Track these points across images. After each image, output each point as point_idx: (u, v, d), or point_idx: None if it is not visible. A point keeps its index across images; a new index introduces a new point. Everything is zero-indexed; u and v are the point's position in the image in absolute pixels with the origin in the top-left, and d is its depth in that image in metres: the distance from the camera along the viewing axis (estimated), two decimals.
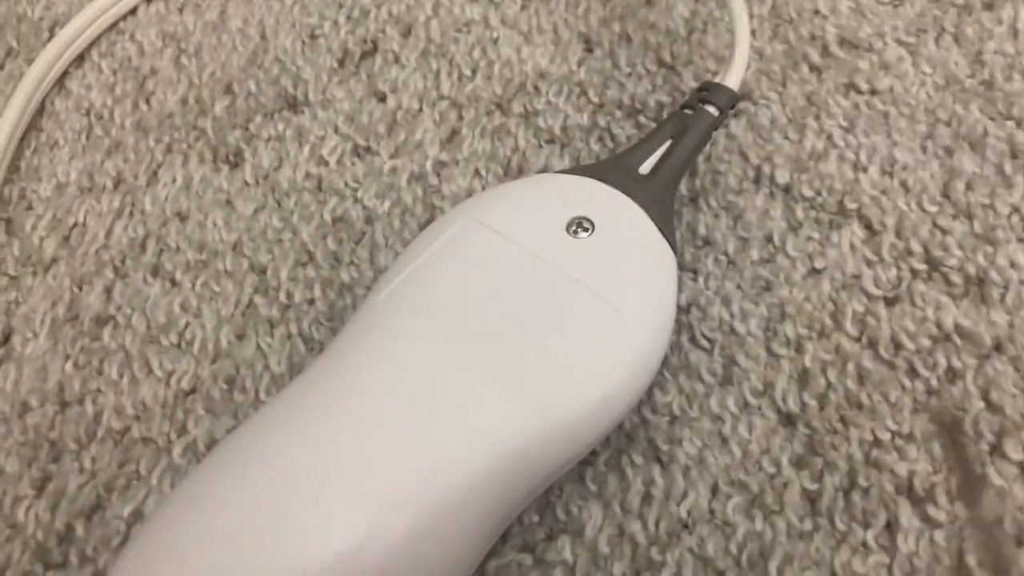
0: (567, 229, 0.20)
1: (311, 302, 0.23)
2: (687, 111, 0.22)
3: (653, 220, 0.20)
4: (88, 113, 0.27)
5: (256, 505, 0.16)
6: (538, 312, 0.19)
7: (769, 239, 0.23)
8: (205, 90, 0.26)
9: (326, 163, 0.25)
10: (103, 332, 0.23)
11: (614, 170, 0.21)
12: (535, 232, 0.20)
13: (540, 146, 0.25)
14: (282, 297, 0.23)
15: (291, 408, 0.18)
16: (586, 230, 0.20)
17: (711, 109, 0.22)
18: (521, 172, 0.24)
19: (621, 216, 0.20)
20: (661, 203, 0.21)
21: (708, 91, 0.22)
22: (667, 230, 0.20)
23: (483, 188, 0.24)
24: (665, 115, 0.24)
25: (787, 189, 0.23)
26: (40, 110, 0.27)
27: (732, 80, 0.23)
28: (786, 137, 0.24)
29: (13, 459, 0.21)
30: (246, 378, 0.22)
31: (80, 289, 0.23)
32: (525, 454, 0.17)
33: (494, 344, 0.18)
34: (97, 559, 0.20)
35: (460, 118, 0.25)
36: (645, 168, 0.21)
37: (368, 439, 0.17)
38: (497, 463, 0.17)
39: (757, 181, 0.23)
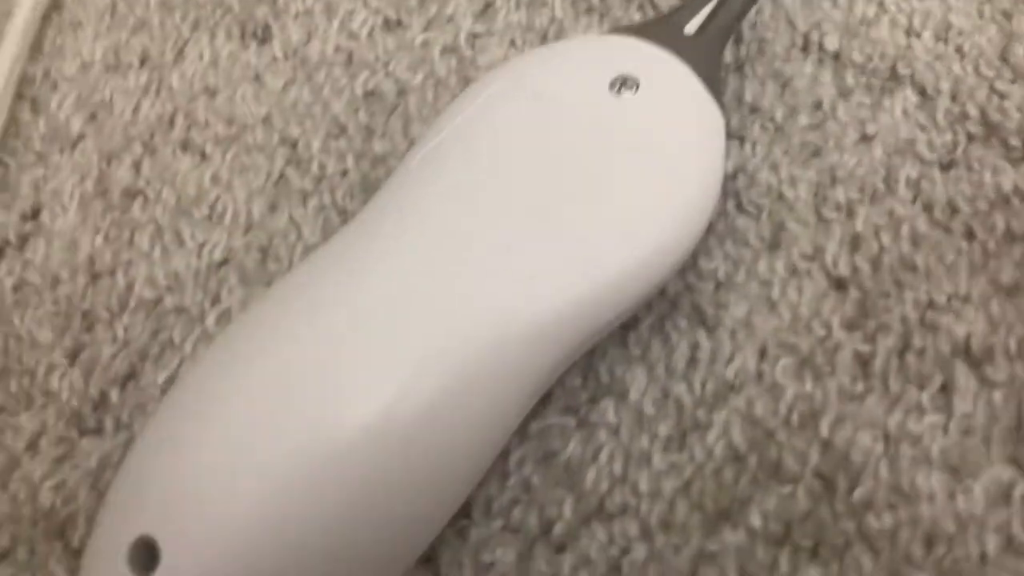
0: (611, 88, 0.19)
1: (344, 173, 0.22)
2: None
3: (700, 79, 0.19)
4: None
5: (287, 367, 0.16)
6: (582, 170, 0.18)
7: (818, 105, 0.22)
8: None
9: (356, 37, 0.24)
10: (133, 205, 0.22)
11: (659, 29, 0.20)
12: (578, 91, 0.19)
13: (578, 16, 0.24)
14: (314, 169, 0.22)
15: (322, 269, 0.17)
16: (631, 89, 0.19)
17: None
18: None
19: (667, 75, 0.19)
20: (708, 62, 0.20)
21: None
22: (715, 89, 0.20)
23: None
24: None
25: (836, 56, 0.22)
26: None
27: None
28: (835, 4, 0.23)
29: (46, 329, 0.21)
30: (279, 248, 0.21)
31: (108, 164, 0.23)
32: (567, 313, 0.17)
33: (537, 201, 0.18)
34: (132, 425, 0.20)
35: None
36: (691, 28, 0.21)
37: (403, 297, 0.16)
38: (538, 322, 0.17)
39: (805, 49, 0.23)
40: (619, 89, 0.19)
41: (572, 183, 0.18)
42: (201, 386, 0.16)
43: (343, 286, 0.17)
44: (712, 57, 0.20)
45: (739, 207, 0.21)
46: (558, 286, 0.17)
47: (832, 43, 0.22)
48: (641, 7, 0.24)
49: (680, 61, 0.19)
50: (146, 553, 0.14)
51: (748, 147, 0.21)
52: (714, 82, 0.20)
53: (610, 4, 0.24)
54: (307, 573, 0.15)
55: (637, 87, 0.19)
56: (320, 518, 0.15)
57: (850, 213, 0.20)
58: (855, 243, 0.20)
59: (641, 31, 0.20)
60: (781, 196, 0.21)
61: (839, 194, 0.20)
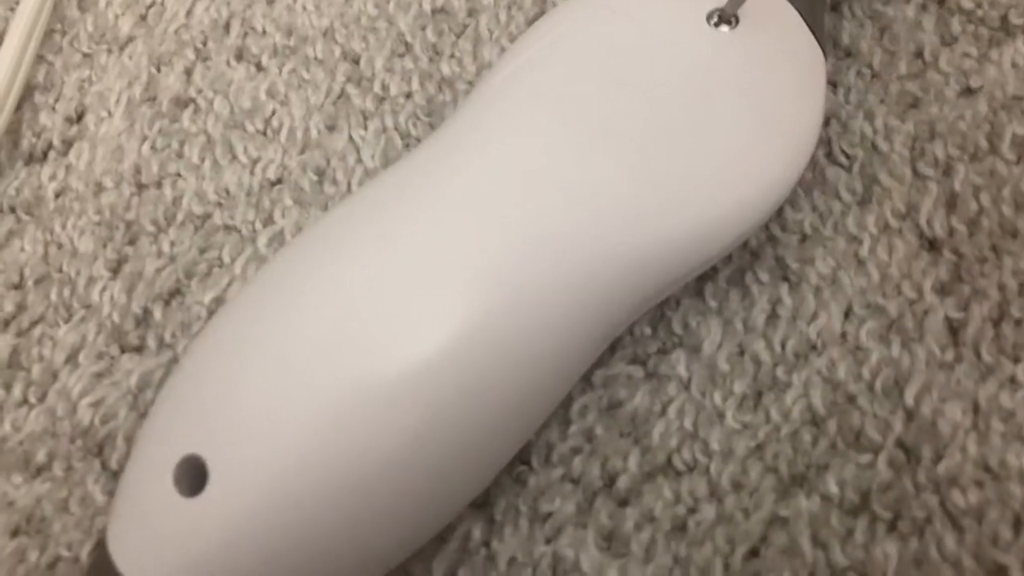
0: (708, 20, 0.18)
1: (408, 95, 0.21)
2: None
3: (803, 18, 0.18)
4: None
5: (349, 290, 0.15)
6: (676, 104, 0.17)
7: (919, 53, 0.20)
8: None
9: None
10: (183, 115, 0.21)
11: None
12: (672, 20, 0.18)
13: None
14: (376, 88, 0.21)
15: (392, 191, 0.16)
16: (729, 23, 0.17)
17: None
18: None
19: (768, 11, 0.18)
20: (811, 1, 0.19)
21: None
22: (817, 31, 0.18)
23: None
24: None
25: (942, 1, 0.21)
26: None
27: None
28: None
29: (87, 238, 0.20)
30: (337, 170, 0.20)
31: (158, 70, 0.22)
32: (646, 255, 0.16)
33: (627, 134, 0.16)
34: (176, 345, 0.19)
35: None
36: None
37: (480, 224, 0.15)
38: (614, 262, 0.16)
39: None
40: (717, 22, 0.17)
41: (665, 117, 0.17)
42: (258, 304, 0.15)
43: (416, 209, 0.16)
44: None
45: (829, 156, 0.19)
46: (646, 224, 0.16)
47: None
48: None
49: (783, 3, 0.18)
50: (193, 473, 0.14)
51: (841, 93, 0.20)
52: (816, 23, 0.18)
53: None
54: (357, 506, 0.14)
55: (736, 22, 0.18)
56: (373, 451, 0.14)
57: (948, 170, 0.19)
58: (952, 203, 0.19)
59: None
60: (875, 148, 0.19)
61: (937, 149, 0.19)
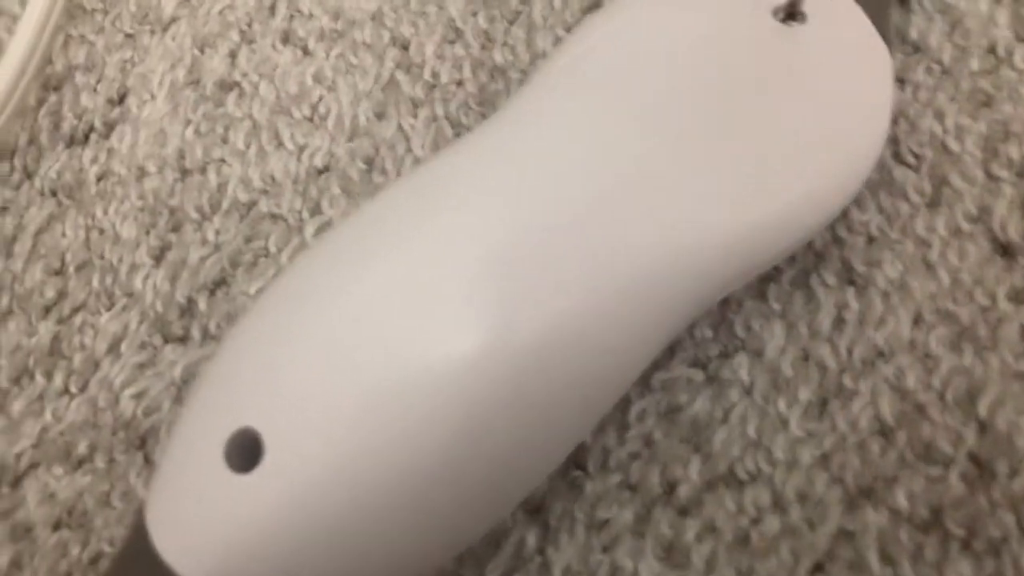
0: (774, 15, 0.17)
1: (459, 83, 0.20)
2: None
3: (870, 16, 0.17)
4: None
5: (408, 269, 0.14)
6: (742, 98, 0.16)
7: (992, 49, 0.19)
8: None
9: None
10: (227, 99, 0.21)
11: None
12: (737, 13, 0.17)
13: None
14: (427, 75, 0.20)
15: (440, 181, 0.16)
16: (796, 19, 0.17)
17: None
18: None
19: (833, 7, 0.17)
20: (878, 4, 0.18)
21: None
22: (884, 27, 0.18)
23: None
24: None
25: None
26: None
27: None
28: None
29: (130, 224, 0.19)
30: (386, 159, 0.20)
31: (202, 52, 0.21)
32: (707, 252, 0.15)
33: (692, 126, 0.16)
34: (220, 336, 0.18)
35: None
36: None
37: (542, 211, 0.15)
38: (674, 257, 0.15)
39: None
40: (784, 17, 0.17)
41: (732, 111, 0.16)
42: (310, 279, 0.15)
43: (468, 198, 0.15)
44: None
45: (897, 156, 0.19)
46: (707, 219, 0.15)
47: None
48: None
49: None
50: (246, 448, 0.13)
51: (909, 90, 0.19)
52: (883, 19, 0.18)
53: None
54: (406, 491, 0.13)
55: (803, 18, 0.17)
56: (421, 438, 0.13)
57: (1023, 173, 0.18)
58: None
59: None
60: (945, 147, 0.19)
61: (1012, 150, 0.18)
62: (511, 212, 0.15)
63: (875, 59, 0.17)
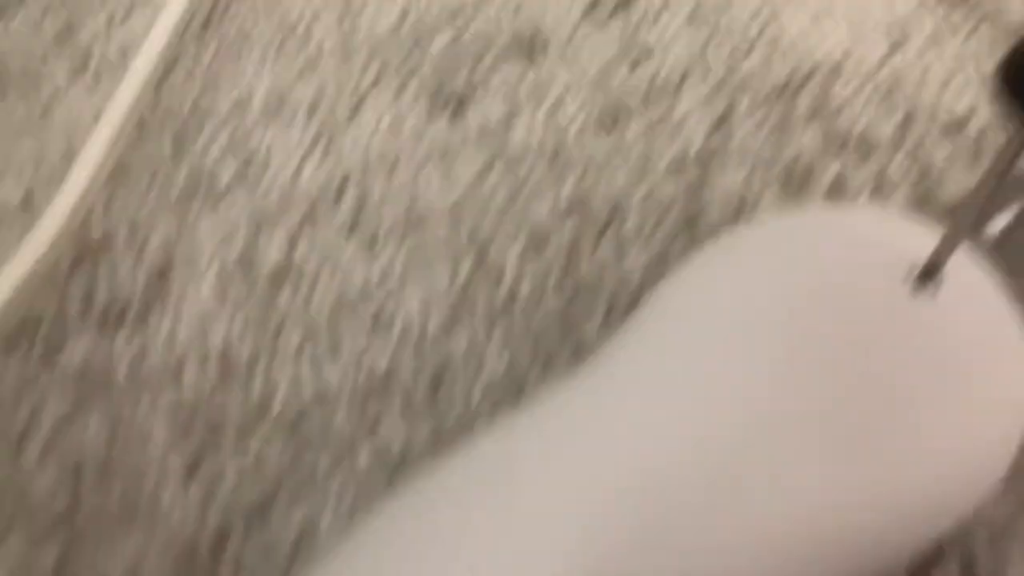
0: (905, 282, 0.15)
1: (540, 298, 0.18)
2: None
3: (1008, 294, 0.16)
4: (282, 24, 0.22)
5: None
6: (863, 376, 0.15)
7: None
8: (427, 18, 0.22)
9: (563, 130, 0.20)
10: (281, 292, 0.19)
11: (962, 221, 0.17)
12: (866, 271, 0.15)
13: (827, 151, 0.20)
14: (507, 284, 0.19)
15: (529, 449, 0.14)
16: (931, 289, 0.15)
17: None
18: (806, 183, 0.20)
19: (971, 281, 0.16)
20: (1015, 273, 0.17)
21: None
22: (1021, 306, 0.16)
23: (755, 191, 0.20)
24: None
25: None
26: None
27: None
28: None
29: (162, 426, 0.17)
30: (456, 377, 0.18)
31: (258, 231, 0.19)
32: (829, 542, 0.14)
33: (806, 403, 0.14)
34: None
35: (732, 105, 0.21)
36: (996, 227, 0.17)
37: (635, 488, 0.13)
38: (795, 547, 0.13)
39: None
40: (917, 286, 0.15)
41: (850, 389, 0.15)
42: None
43: (571, 477, 0.13)
44: (1019, 267, 0.17)
45: None
46: (821, 508, 0.14)
47: None
48: (913, 156, 0.20)
49: (986, 268, 0.16)
50: None
51: None
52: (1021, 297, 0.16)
53: (872, 144, 0.20)
54: None
55: (939, 288, 0.15)
56: None
57: None
58: None
59: (940, 219, 0.17)
60: None
61: None
62: (611, 485, 0.13)
63: (1015, 344, 0.16)
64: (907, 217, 0.17)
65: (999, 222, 0.18)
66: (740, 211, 0.19)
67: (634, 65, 0.21)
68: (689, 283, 0.16)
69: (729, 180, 0.20)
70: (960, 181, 0.19)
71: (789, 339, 0.15)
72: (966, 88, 0.21)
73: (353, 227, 0.19)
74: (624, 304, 0.18)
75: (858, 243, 0.16)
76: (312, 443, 0.17)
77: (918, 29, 0.22)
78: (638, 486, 0.13)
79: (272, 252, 0.19)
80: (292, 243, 0.19)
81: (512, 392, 0.17)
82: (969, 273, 0.16)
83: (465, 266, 0.19)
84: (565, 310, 0.18)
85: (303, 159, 0.20)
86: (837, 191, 0.19)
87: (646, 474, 0.14)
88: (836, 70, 0.21)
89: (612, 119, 0.21)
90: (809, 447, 0.14)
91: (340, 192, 0.20)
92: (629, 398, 0.14)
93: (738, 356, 0.15)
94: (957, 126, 0.20)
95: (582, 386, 0.15)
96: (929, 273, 0.15)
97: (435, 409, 0.17)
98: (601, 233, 0.19)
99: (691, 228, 0.19)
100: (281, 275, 0.19)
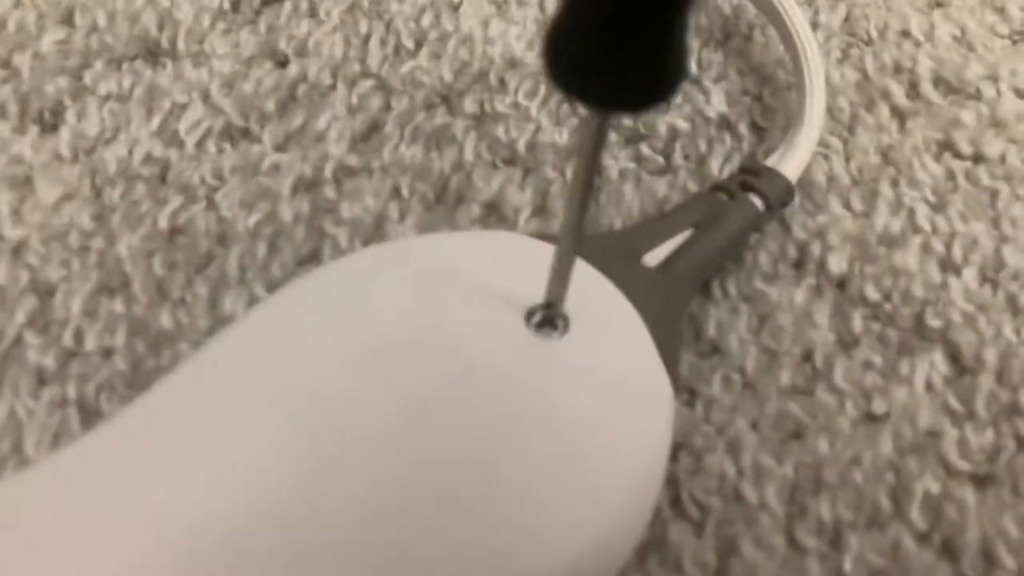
0: (527, 320, 0.12)
1: (108, 353, 0.15)
2: (722, 195, 0.15)
3: (652, 336, 0.13)
4: None
5: None
6: (473, 440, 0.12)
7: (808, 357, 0.15)
8: (31, 14, 0.18)
9: (180, 143, 0.17)
10: None
11: (609, 253, 0.14)
12: (484, 315, 0.12)
13: (495, 166, 0.17)
14: (66, 341, 0.15)
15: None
16: (555, 328, 0.12)
17: (756, 201, 0.15)
18: (460, 201, 0.16)
19: (609, 320, 0.13)
20: (666, 314, 0.14)
21: (755, 175, 0.15)
22: (669, 355, 0.13)
23: (401, 215, 0.16)
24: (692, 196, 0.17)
25: (842, 285, 0.16)
26: None
27: (790, 167, 0.16)
28: (848, 207, 0.17)
29: None
30: None
31: None
32: None
33: (405, 479, 0.12)
34: None
35: (387, 107, 0.18)
36: (652, 259, 0.14)
37: None
38: None
39: (799, 266, 0.16)
40: (539, 325, 0.12)
41: (460, 458, 0.12)
42: None
43: None
44: (673, 307, 0.14)
45: (676, 505, 0.14)
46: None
47: (838, 264, 0.16)
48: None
49: (630, 305, 0.13)
50: None
51: (700, 407, 0.15)
52: (670, 342, 0.13)
53: (541, 157, 0.17)
54: None
55: (566, 327, 0.12)
56: None
57: (836, 542, 0.14)
58: None
59: (585, 248, 0.13)
60: (739, 497, 0.14)
61: (824, 509, 0.14)
62: None
63: (652, 394, 0.13)
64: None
65: (661, 252, 0.14)
66: (375, 236, 0.16)
67: (279, 65, 0.18)
68: (248, 337, 0.13)
69: (366, 204, 0.16)
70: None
71: (382, 392, 0.12)
72: None
73: None
74: None
75: (480, 272, 0.13)
76: None
77: None
78: None
79: None
80: None
81: None
82: (607, 312, 0.13)
83: (19, 316, 0.15)
84: (135, 367, 0.15)
85: None
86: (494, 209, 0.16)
87: None
88: (512, 67, 0.18)
89: (243, 128, 0.17)
90: (408, 522, 0.11)
91: None
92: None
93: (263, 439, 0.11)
94: (640, 137, 0.17)
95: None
96: (551, 309, 0.12)
97: None
98: (199, 270, 0.16)
99: (315, 260, 0.16)
100: None
